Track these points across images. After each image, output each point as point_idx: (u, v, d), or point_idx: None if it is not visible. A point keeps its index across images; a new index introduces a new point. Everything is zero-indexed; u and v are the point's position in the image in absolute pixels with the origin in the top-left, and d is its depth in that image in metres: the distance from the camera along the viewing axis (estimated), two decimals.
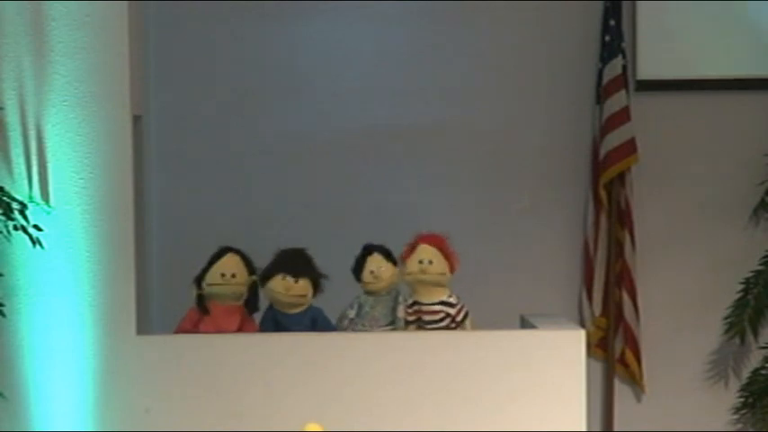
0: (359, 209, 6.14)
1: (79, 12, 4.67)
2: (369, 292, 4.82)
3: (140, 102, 5.02)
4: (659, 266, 6.21)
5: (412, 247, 4.79)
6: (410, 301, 4.81)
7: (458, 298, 4.81)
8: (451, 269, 4.79)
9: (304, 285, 4.76)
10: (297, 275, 4.75)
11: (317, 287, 4.79)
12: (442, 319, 4.79)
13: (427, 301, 4.79)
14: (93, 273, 4.67)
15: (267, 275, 4.77)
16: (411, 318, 4.81)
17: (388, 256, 4.83)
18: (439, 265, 4.77)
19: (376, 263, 4.81)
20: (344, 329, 4.81)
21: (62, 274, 4.67)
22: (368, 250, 4.84)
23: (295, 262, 4.78)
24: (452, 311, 4.79)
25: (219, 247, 4.83)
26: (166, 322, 4.99)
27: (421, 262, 4.76)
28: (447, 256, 4.78)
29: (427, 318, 4.79)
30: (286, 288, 4.74)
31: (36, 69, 4.66)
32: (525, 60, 6.20)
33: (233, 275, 4.77)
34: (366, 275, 4.80)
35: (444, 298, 4.80)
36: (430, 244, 4.78)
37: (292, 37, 6.15)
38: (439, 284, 4.79)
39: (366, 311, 4.82)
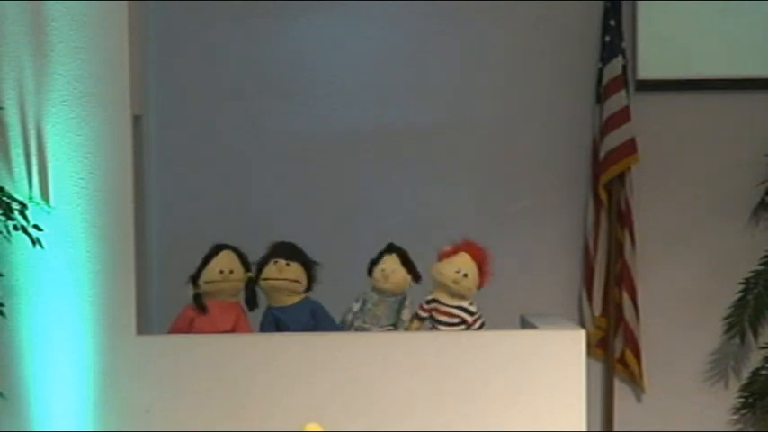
0: (358, 209, 6.14)
1: (79, 12, 4.67)
2: (375, 290, 4.83)
3: (140, 102, 5.01)
4: (659, 266, 6.21)
5: (454, 250, 4.79)
6: (429, 298, 4.81)
7: (477, 308, 4.81)
8: (480, 285, 4.80)
9: (296, 269, 4.79)
10: (288, 259, 4.79)
11: (310, 277, 4.81)
12: (456, 324, 4.79)
13: (447, 302, 4.80)
14: (93, 273, 4.67)
15: (260, 265, 4.81)
16: (424, 314, 4.81)
17: (405, 260, 4.83)
18: (472, 280, 4.76)
19: (390, 263, 4.82)
20: (346, 322, 4.83)
21: (62, 274, 4.67)
22: (388, 249, 4.85)
23: (286, 249, 4.83)
24: (469, 319, 4.79)
25: (213, 245, 4.84)
26: (166, 322, 4.98)
27: (458, 272, 4.76)
28: (482, 273, 4.79)
29: (442, 318, 4.79)
30: (279, 270, 4.77)
31: (36, 69, 4.66)
32: (525, 60, 6.19)
33: (231, 271, 4.79)
34: (376, 272, 4.82)
35: (465, 305, 4.81)
36: (472, 257, 4.78)
37: (292, 37, 6.15)
38: (464, 297, 4.81)
39: (369, 308, 4.82)
